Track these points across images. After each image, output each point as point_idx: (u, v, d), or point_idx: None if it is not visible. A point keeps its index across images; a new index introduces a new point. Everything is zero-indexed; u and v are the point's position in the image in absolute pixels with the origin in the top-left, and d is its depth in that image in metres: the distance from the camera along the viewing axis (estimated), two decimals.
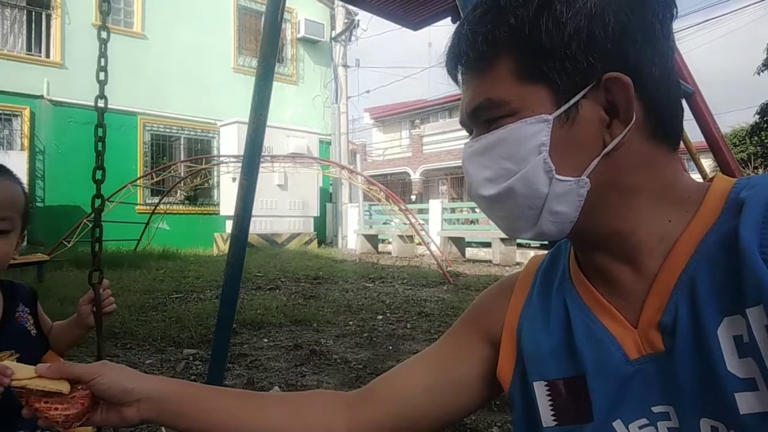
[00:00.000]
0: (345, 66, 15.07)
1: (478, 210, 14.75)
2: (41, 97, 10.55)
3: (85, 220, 8.67)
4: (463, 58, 0.59)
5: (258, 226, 11.11)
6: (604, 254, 0.59)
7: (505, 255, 9.79)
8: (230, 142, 11.53)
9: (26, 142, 10.35)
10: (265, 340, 3.88)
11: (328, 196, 14.69)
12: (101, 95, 1.44)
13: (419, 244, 10.79)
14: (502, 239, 9.83)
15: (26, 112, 10.48)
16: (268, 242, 11.57)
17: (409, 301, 5.59)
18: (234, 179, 10.73)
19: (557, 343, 0.62)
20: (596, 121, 0.54)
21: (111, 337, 3.64)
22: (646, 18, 0.53)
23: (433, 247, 9.16)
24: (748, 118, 15.97)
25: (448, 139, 21.89)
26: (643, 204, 0.56)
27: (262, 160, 2.72)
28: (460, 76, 0.62)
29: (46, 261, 6.00)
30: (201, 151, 12.74)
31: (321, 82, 14.89)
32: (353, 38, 15.23)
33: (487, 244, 10.70)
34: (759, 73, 12.28)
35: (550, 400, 0.61)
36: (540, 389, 0.62)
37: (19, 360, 1.10)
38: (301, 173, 11.98)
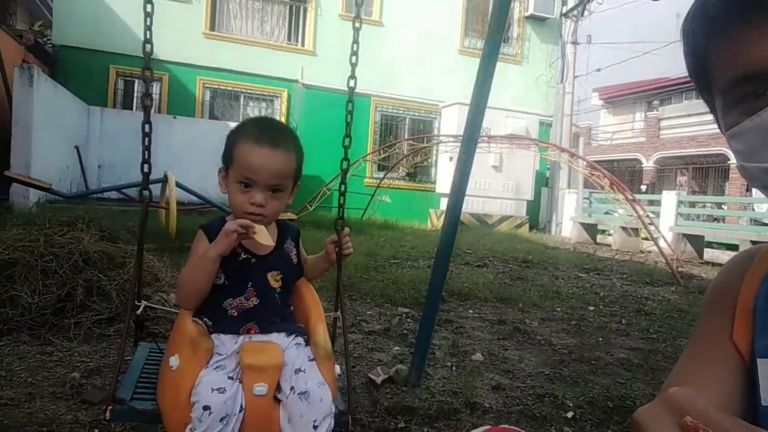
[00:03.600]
0: (574, 43, 14.15)
1: (725, 206, 12.61)
2: (296, 81, 12.37)
3: (324, 189, 10.01)
4: None
5: (470, 206, 11.33)
6: None
7: None
8: (450, 123, 11.93)
9: (284, 120, 12.30)
10: (471, 311, 4.03)
11: (544, 180, 14.18)
12: (352, 75, 1.68)
13: (646, 238, 9.73)
14: (754, 242, 8.24)
15: (284, 94, 12.44)
16: (478, 222, 11.75)
17: (627, 297, 5.15)
18: (451, 158, 11.10)
19: None
20: None
21: None
22: None
23: (662, 243, 8.18)
24: None
25: (692, 123, 19.03)
26: None
27: (479, 140, 2.82)
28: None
29: (294, 219, 7.14)
30: (423, 130, 13.47)
31: (546, 61, 14.28)
32: (586, 12, 14.17)
33: (733, 247, 9.11)
34: None
35: None
36: (765, 367, 0.59)
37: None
38: (518, 155, 11.77)
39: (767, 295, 0.63)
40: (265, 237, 1.28)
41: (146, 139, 1.52)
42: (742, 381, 0.63)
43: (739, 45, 0.54)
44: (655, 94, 23.44)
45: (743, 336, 0.64)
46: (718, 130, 0.65)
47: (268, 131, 1.34)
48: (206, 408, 1.14)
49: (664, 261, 7.35)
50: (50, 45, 11.19)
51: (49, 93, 7.43)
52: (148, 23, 1.49)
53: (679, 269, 7.13)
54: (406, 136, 13.16)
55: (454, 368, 2.75)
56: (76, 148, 9.07)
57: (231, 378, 1.21)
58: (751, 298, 0.65)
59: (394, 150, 12.48)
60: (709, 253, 9.81)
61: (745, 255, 0.72)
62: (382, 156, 12.49)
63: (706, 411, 0.43)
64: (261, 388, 1.21)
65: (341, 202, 1.63)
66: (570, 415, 2.28)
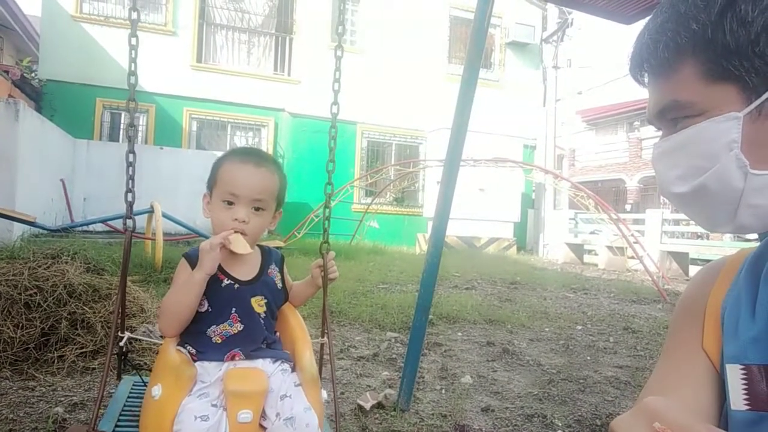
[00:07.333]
0: (555, 67, 14.51)
1: None
2: (283, 110, 12.48)
3: (311, 216, 10.03)
4: (645, 65, 0.64)
5: (458, 229, 11.39)
6: None
7: None
8: (437, 148, 12.08)
9: (270, 149, 12.35)
10: (460, 334, 4.03)
11: (530, 202, 14.33)
12: (335, 102, 1.72)
13: (632, 257, 9.84)
14: None
15: (271, 124, 12.53)
16: (466, 244, 11.79)
17: (615, 315, 5.18)
18: (438, 182, 11.19)
19: (761, 332, 0.60)
20: None
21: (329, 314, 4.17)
22: None
23: (648, 262, 8.28)
24: None
25: None
26: None
27: (464, 163, 2.88)
28: (645, 79, 0.66)
29: (281, 247, 7.12)
30: (409, 155, 13.60)
31: (528, 85, 14.61)
32: (566, 38, 14.58)
33: None
34: None
35: (744, 385, 0.60)
36: (733, 372, 0.61)
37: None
38: (503, 178, 11.91)
39: (734, 303, 0.66)
40: (241, 246, 1.29)
41: (130, 168, 1.54)
42: (714, 387, 0.65)
43: (648, 96, 0.66)
44: (635, 114, 23.94)
45: (713, 343, 0.67)
46: None
47: (252, 154, 1.40)
48: None
49: (650, 279, 7.42)
50: (37, 79, 11.22)
51: (34, 127, 7.43)
52: (133, 56, 1.53)
53: (665, 286, 7.21)
54: (393, 162, 13.28)
55: (443, 391, 2.74)
56: (62, 181, 9.02)
57: (215, 406, 1.21)
58: (719, 306, 0.67)
59: (381, 175, 12.58)
60: (694, 270, 9.92)
61: (712, 266, 0.75)
62: (370, 181, 12.57)
63: (678, 418, 0.46)
64: (245, 415, 1.20)
65: (325, 226, 1.65)
66: None
